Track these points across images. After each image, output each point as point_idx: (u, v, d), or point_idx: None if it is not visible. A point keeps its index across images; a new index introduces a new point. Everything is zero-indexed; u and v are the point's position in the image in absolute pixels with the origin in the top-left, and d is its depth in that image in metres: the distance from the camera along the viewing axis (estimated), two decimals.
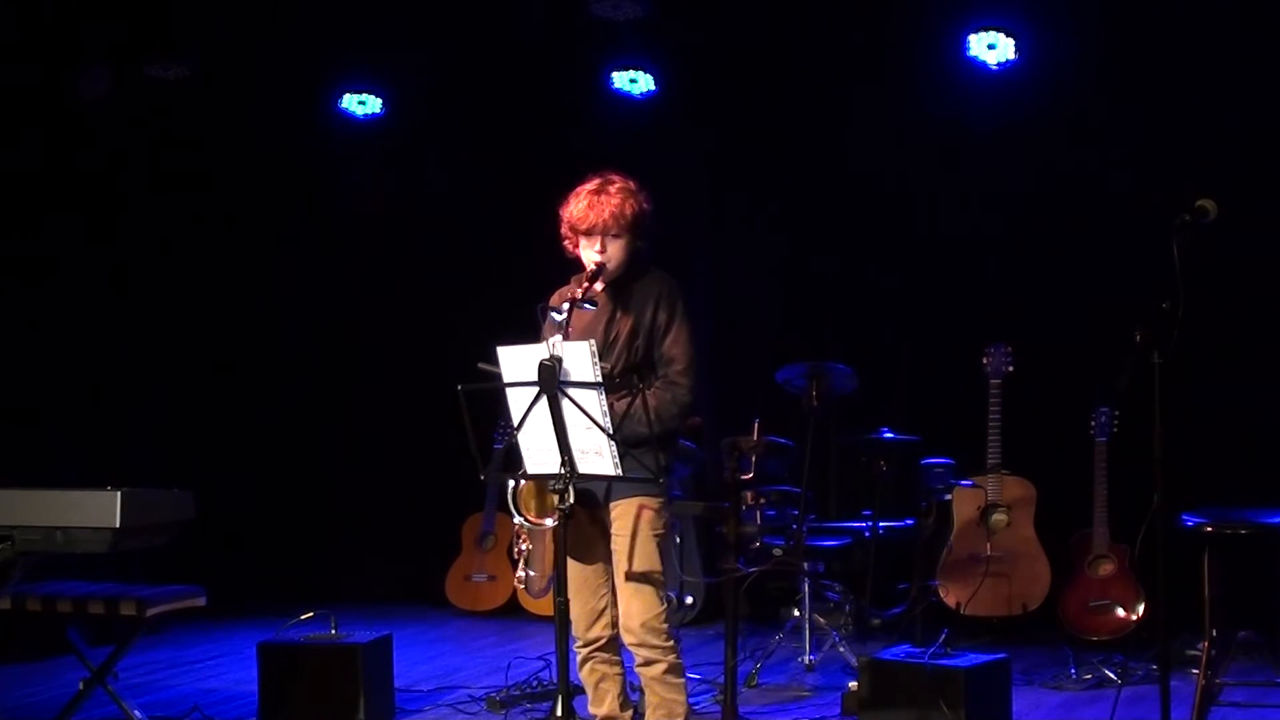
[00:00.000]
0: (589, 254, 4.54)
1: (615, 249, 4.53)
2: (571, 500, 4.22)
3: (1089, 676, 6.15)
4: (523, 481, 4.57)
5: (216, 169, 8.52)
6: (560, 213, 4.60)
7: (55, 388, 7.82)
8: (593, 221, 4.50)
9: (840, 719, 5.66)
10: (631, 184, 4.60)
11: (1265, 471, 6.69)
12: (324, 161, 8.80)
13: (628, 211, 4.52)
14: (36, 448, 7.52)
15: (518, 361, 4.22)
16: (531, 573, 5.17)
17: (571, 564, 4.53)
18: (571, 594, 4.53)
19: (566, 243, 4.63)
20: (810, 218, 7.93)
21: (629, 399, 4.31)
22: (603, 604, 4.60)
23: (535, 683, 6.05)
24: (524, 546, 4.78)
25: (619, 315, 4.57)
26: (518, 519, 4.65)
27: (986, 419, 6.95)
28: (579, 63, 8.05)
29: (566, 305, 4.39)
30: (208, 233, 8.60)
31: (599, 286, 4.56)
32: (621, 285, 4.59)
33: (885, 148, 7.71)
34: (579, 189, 4.59)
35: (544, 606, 7.08)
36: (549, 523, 4.56)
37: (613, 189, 4.55)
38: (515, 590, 8.10)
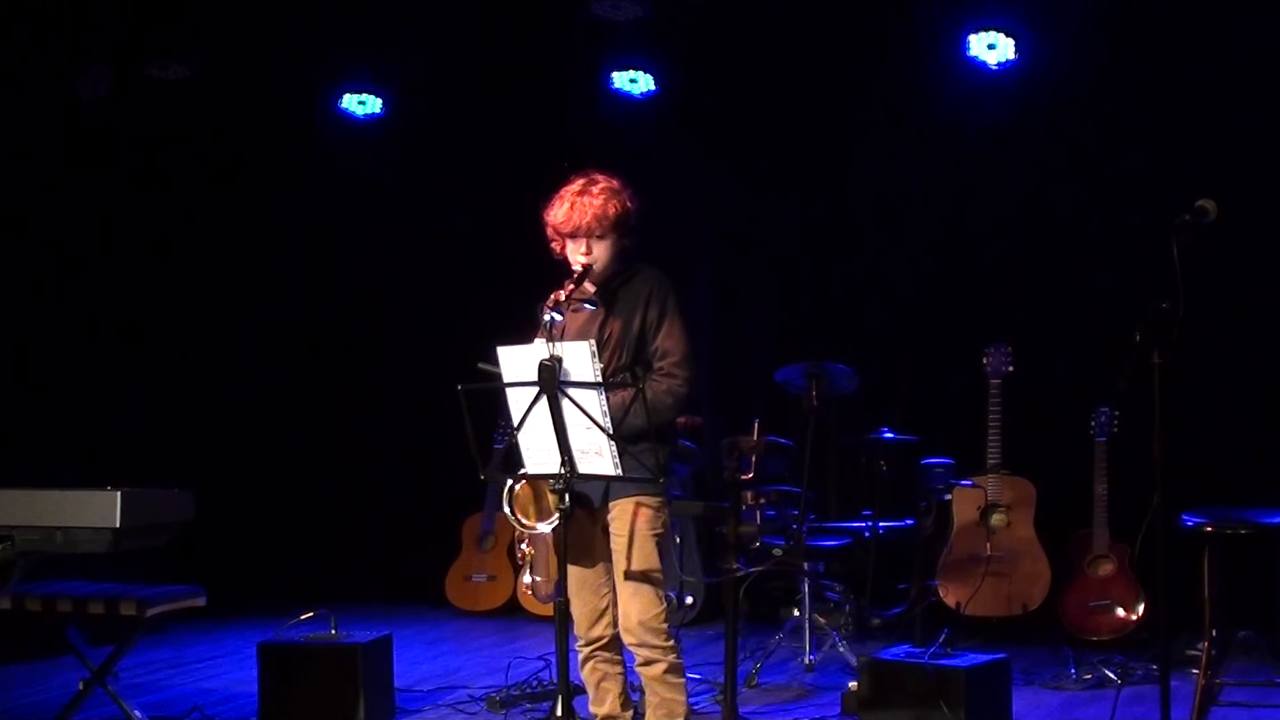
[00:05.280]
0: (575, 256, 4.53)
1: (601, 250, 4.51)
2: (554, 511, 4.24)
3: (1089, 676, 6.14)
4: (519, 487, 4.54)
5: (216, 169, 8.52)
6: (544, 215, 4.58)
7: (55, 387, 7.82)
8: (576, 223, 4.48)
9: (840, 719, 5.66)
10: (615, 183, 4.56)
11: (1265, 471, 6.69)
12: (324, 162, 8.80)
13: (611, 212, 4.49)
14: (36, 448, 7.52)
15: (518, 361, 4.22)
16: (537, 578, 5.15)
17: (572, 564, 4.53)
18: (573, 594, 4.53)
19: (553, 245, 4.61)
20: (810, 217, 7.94)
21: (626, 394, 4.30)
22: (604, 604, 4.60)
23: (535, 683, 6.04)
24: (527, 551, 4.76)
25: (610, 316, 4.55)
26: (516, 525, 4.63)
27: (986, 419, 6.95)
28: (579, 63, 8.05)
29: (552, 310, 4.37)
30: (208, 232, 8.60)
31: (590, 288, 4.55)
32: (612, 286, 4.57)
33: (885, 147, 7.71)
34: (562, 190, 4.56)
35: (545, 607, 7.07)
36: (542, 528, 4.55)
37: (595, 189, 4.52)
38: (515, 590, 8.11)
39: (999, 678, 5.24)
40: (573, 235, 4.51)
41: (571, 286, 4.46)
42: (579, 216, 4.47)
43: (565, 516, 4.23)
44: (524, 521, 4.57)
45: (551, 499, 4.31)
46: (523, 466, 4.35)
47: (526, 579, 5.04)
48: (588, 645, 4.62)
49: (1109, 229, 7.26)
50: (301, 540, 8.82)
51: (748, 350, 7.93)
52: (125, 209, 8.22)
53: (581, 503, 4.46)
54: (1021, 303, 7.45)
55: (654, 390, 4.44)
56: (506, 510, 4.58)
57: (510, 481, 4.55)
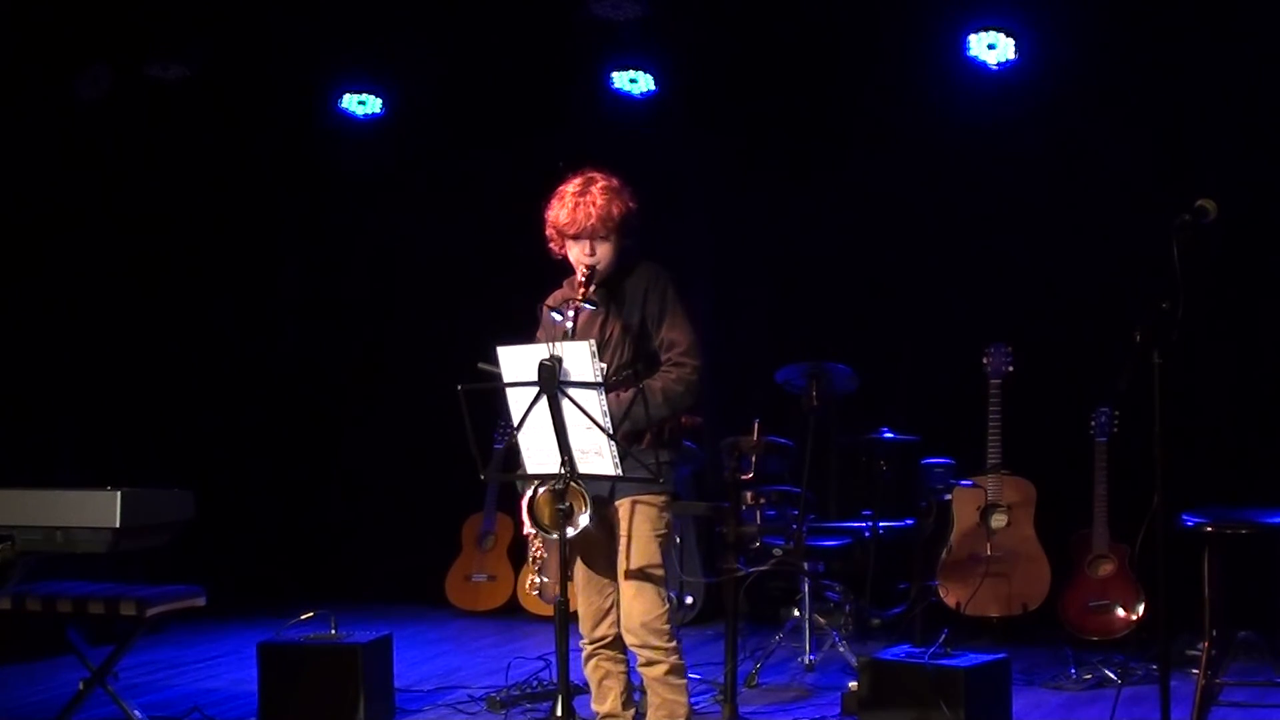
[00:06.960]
0: (578, 257, 4.52)
1: (604, 250, 4.51)
2: (588, 506, 4.22)
3: (1089, 676, 6.15)
4: (540, 490, 4.48)
5: (216, 169, 8.52)
6: (545, 215, 4.57)
7: (55, 388, 7.81)
8: (581, 225, 4.47)
9: (840, 719, 5.66)
10: (614, 182, 4.55)
11: (1265, 471, 6.69)
12: (324, 162, 8.80)
13: (615, 212, 4.49)
14: (36, 448, 7.51)
15: (518, 361, 4.22)
16: (546, 579, 5.14)
17: (578, 563, 4.53)
18: (578, 593, 4.55)
19: (552, 245, 4.60)
20: (810, 218, 7.93)
21: (634, 390, 4.29)
22: (608, 604, 4.60)
23: (535, 683, 6.05)
24: (540, 554, 4.72)
25: (611, 315, 4.55)
26: (528, 529, 4.58)
27: (986, 419, 6.95)
28: (579, 63, 8.05)
29: (572, 309, 4.37)
30: (208, 233, 8.60)
31: (589, 288, 4.55)
32: (612, 284, 4.57)
33: (885, 147, 7.70)
34: (560, 190, 4.54)
35: (546, 607, 7.08)
36: (570, 532, 4.51)
37: (596, 189, 4.50)
38: (515, 590, 8.11)
39: (999, 678, 5.24)
40: (576, 236, 4.50)
41: (585, 289, 4.44)
42: (583, 218, 4.46)
43: (564, 516, 4.23)
44: (545, 526, 4.43)
45: (577, 500, 4.26)
46: (523, 467, 4.34)
47: (535, 579, 5.02)
48: (591, 644, 4.62)
49: (1109, 229, 7.26)
50: (301, 540, 8.81)
51: (748, 350, 7.93)
52: (124, 209, 8.22)
53: (597, 505, 4.43)
54: (1021, 303, 7.45)
55: (665, 380, 4.45)
56: (526, 516, 4.48)
57: (533, 487, 4.46)
